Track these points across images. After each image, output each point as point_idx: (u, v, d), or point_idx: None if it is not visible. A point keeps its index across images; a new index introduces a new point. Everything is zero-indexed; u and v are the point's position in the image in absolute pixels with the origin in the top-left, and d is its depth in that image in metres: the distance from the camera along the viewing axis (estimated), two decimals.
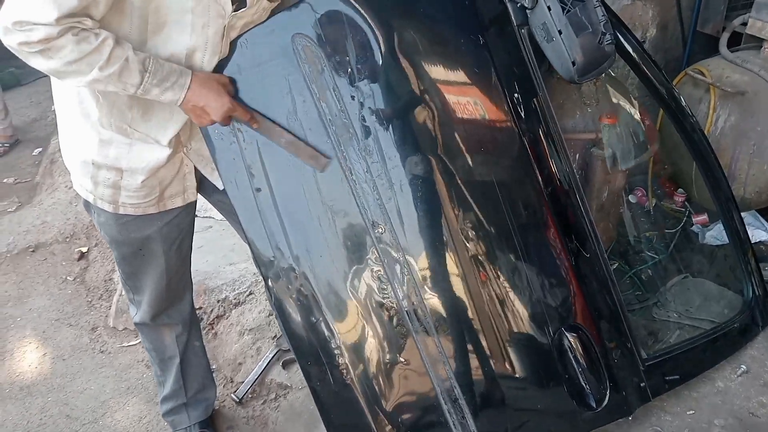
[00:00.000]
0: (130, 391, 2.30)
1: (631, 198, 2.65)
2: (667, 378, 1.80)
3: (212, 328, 2.53)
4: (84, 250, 3.16)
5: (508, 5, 1.54)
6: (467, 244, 1.56)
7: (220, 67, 1.42)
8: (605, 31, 1.47)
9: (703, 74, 2.35)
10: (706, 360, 1.90)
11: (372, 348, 1.59)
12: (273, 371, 2.19)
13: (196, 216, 1.70)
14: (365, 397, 1.60)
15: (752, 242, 2.08)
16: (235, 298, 2.50)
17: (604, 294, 1.68)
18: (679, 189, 2.62)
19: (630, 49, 1.71)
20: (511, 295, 1.61)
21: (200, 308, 2.63)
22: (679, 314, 2.12)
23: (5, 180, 3.90)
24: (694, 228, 2.52)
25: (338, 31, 1.46)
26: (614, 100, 1.91)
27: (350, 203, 1.52)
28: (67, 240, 3.24)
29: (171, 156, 1.46)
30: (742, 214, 2.09)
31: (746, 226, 2.06)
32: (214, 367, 2.36)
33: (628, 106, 1.91)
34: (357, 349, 1.59)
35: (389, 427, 1.61)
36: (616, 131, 1.87)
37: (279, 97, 1.47)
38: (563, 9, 1.45)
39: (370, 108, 1.48)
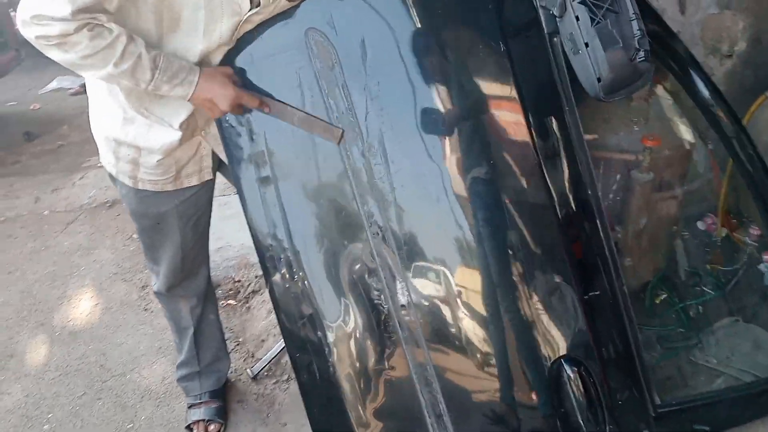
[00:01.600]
0: (161, 352, 2.43)
1: (700, 225, 2.43)
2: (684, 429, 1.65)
3: (246, 302, 2.62)
4: None
5: (540, 11, 1.44)
6: (467, 259, 1.50)
7: (230, 57, 1.44)
8: (640, 46, 1.34)
9: None
10: (735, 416, 1.72)
11: (361, 351, 1.57)
12: None
13: None
14: (350, 398, 1.59)
15: None
16: None
17: (617, 329, 1.56)
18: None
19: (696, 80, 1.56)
20: (510, 316, 1.53)
21: (239, 281, 2.72)
22: (720, 361, 1.92)
23: None
24: (761, 266, 2.27)
25: (352, 29, 1.43)
26: (667, 119, 1.75)
27: (350, 203, 1.49)
28: None
29: (184, 139, 1.50)
30: None
31: None
32: (240, 340, 2.43)
33: (682, 127, 1.74)
34: (346, 349, 1.57)
35: (370, 430, 1.60)
36: (663, 154, 1.71)
37: (288, 89, 1.47)
38: (592, 20, 1.33)
39: (378, 109, 1.45)
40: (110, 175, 1.67)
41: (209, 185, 1.68)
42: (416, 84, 1.44)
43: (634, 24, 1.34)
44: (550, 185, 1.46)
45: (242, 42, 1.43)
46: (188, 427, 2.01)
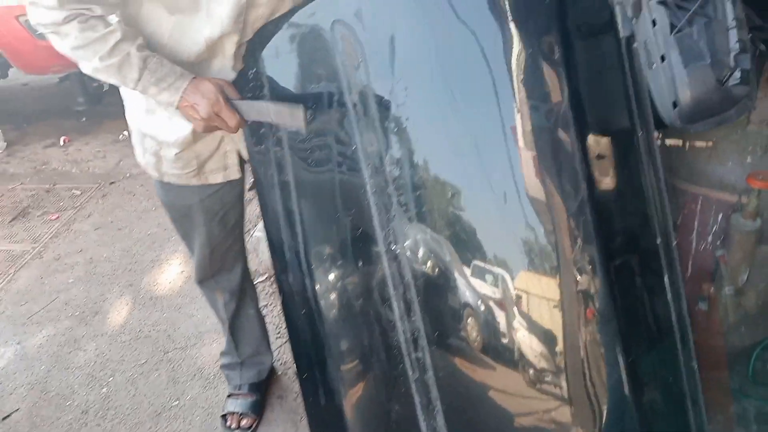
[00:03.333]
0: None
1: None
2: None
3: None
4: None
5: (617, 10, 1.14)
6: (493, 298, 1.27)
7: (247, 52, 1.32)
8: (736, 64, 1.01)
9: None
10: None
11: (366, 377, 1.43)
12: None
13: None
14: (351, 420, 1.45)
15: None
16: None
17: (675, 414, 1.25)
18: None
19: None
20: (530, 370, 1.28)
21: None
22: None
23: None
24: None
25: (381, 24, 1.23)
26: None
27: (368, 220, 1.32)
28: None
29: (199, 133, 1.42)
30: None
31: None
32: None
33: None
34: (353, 378, 1.43)
35: None
36: None
37: (310, 86, 1.32)
38: (672, 26, 1.02)
39: (403, 117, 1.25)
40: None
41: (237, 182, 1.59)
42: (449, 93, 1.22)
43: (733, 34, 1.01)
44: (597, 226, 1.17)
45: (261, 34, 1.30)
46: (223, 416, 2.00)
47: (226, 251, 1.72)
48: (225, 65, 1.35)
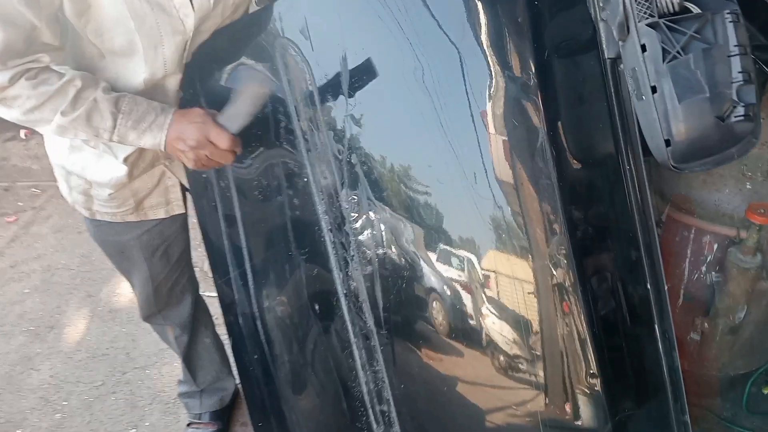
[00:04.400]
0: None
1: None
2: None
3: None
4: None
5: (600, 27, 0.99)
6: (462, 346, 1.14)
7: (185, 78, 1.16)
8: (740, 98, 0.86)
9: None
10: None
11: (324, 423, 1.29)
12: None
13: None
14: None
15: None
16: None
17: None
18: None
19: None
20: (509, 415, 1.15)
21: None
22: None
23: None
24: None
25: (331, 41, 1.07)
26: None
27: (325, 262, 1.18)
28: None
29: (135, 173, 1.28)
30: None
31: None
32: None
33: None
34: (310, 419, 1.30)
35: None
36: None
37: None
38: (665, 53, 0.87)
39: (360, 147, 1.10)
40: None
41: (179, 216, 1.43)
42: (410, 120, 1.06)
43: (735, 62, 0.86)
44: (581, 268, 1.03)
45: (200, 57, 1.14)
46: None
47: (172, 286, 1.57)
48: (166, 102, 1.19)
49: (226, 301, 1.37)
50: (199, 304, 1.71)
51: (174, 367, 2.21)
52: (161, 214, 1.39)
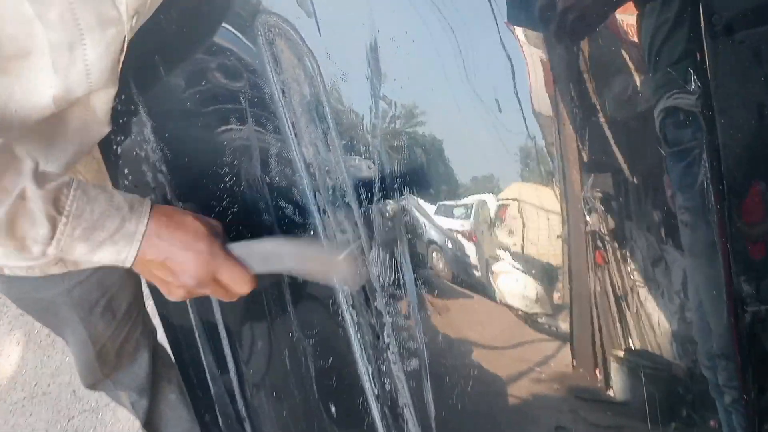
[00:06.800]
0: None
1: None
2: None
3: None
4: None
5: None
6: None
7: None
8: None
9: None
10: None
11: None
12: None
13: None
14: None
15: None
16: None
17: None
18: None
19: None
20: None
21: None
22: None
23: None
24: None
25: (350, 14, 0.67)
26: None
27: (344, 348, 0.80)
28: None
29: None
30: None
31: None
32: None
33: None
34: None
35: None
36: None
37: (223, 135, 0.75)
38: None
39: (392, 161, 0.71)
40: None
41: None
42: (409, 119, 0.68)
43: None
44: None
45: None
46: None
47: (122, 344, 1.18)
48: (89, 120, 0.77)
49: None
50: (157, 357, 1.32)
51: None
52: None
